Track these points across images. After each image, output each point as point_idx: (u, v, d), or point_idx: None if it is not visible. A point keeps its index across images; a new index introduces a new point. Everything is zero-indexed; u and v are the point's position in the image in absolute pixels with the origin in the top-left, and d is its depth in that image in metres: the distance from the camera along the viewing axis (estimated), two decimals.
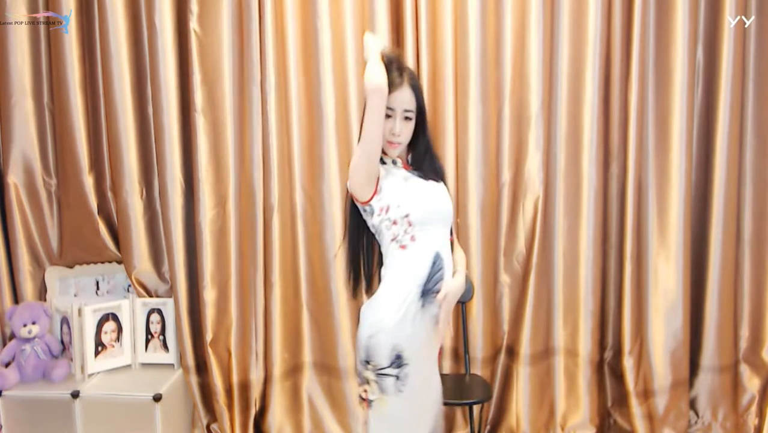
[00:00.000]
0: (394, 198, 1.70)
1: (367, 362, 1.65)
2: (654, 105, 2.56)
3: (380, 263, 1.80)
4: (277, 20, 2.59)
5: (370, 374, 1.65)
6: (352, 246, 1.84)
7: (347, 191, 1.78)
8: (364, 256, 1.85)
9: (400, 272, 1.69)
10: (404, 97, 1.70)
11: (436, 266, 1.69)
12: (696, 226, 2.65)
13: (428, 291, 1.67)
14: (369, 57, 1.68)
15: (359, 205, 1.76)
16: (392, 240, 1.71)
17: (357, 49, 2.58)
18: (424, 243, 1.69)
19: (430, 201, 1.75)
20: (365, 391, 1.67)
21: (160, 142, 2.63)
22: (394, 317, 1.64)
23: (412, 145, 1.82)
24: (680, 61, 2.48)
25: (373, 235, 1.80)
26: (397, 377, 1.64)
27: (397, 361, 1.64)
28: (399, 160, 1.81)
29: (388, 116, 1.69)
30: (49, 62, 2.76)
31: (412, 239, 1.69)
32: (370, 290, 1.85)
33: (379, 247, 1.79)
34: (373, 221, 1.74)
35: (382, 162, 1.77)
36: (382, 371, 1.64)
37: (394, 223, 1.70)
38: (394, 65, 1.70)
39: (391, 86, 1.66)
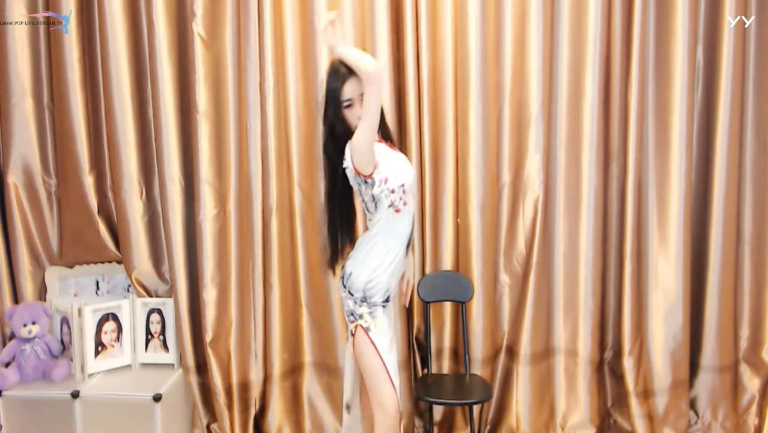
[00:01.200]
0: (391, 170, 2.02)
1: (364, 300, 2.05)
2: (654, 105, 2.56)
3: (350, 233, 2.18)
4: (276, 21, 2.59)
5: (364, 309, 2.05)
6: (332, 217, 2.14)
7: (330, 169, 2.07)
8: (342, 226, 2.16)
9: (392, 232, 2.07)
10: (356, 85, 1.97)
11: (413, 225, 2.13)
12: (696, 226, 2.65)
13: (408, 245, 2.12)
14: (337, 43, 1.98)
15: (359, 178, 2.02)
16: (389, 206, 2.04)
17: (357, 48, 2.58)
18: (410, 206, 2.09)
19: (411, 170, 2.12)
20: (358, 325, 2.03)
21: (159, 142, 2.63)
22: (388, 268, 2.06)
23: None
24: (680, 61, 2.48)
25: (348, 207, 2.15)
26: (384, 306, 2.08)
27: (386, 296, 2.08)
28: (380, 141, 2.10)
29: (350, 105, 1.99)
30: (48, 62, 2.76)
31: (404, 203, 2.06)
32: (342, 258, 2.16)
33: (351, 217, 2.18)
34: (373, 192, 2.02)
35: None
36: (376, 305, 2.06)
37: (392, 191, 2.02)
38: (338, 61, 2.00)
39: (345, 79, 1.97)
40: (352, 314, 2.07)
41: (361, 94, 1.96)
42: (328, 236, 2.16)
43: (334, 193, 2.11)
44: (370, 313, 2.05)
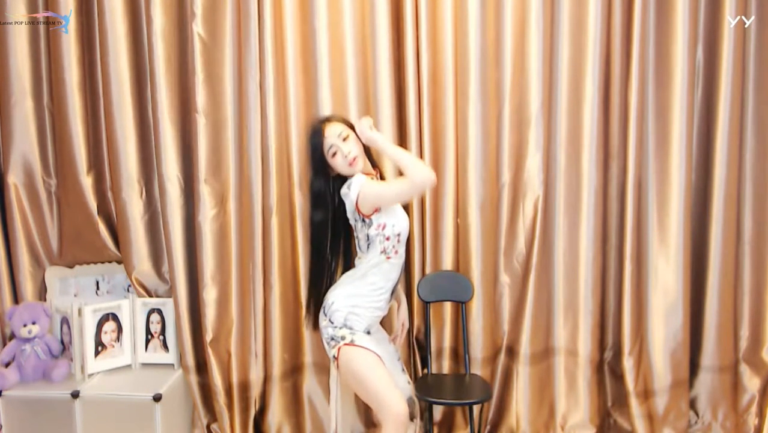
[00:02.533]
0: (389, 218, 2.08)
1: (345, 326, 2.06)
2: (654, 105, 2.56)
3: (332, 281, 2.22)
4: (276, 21, 2.59)
5: (345, 331, 2.06)
6: (319, 266, 2.21)
7: (315, 201, 2.15)
8: (327, 277, 2.22)
9: (380, 274, 2.11)
10: (333, 130, 2.08)
11: (401, 273, 2.19)
12: (696, 226, 2.65)
13: (393, 290, 2.17)
14: (379, 138, 2.08)
15: (357, 215, 2.07)
16: (382, 252, 2.09)
17: (356, 49, 2.58)
18: (400, 255, 2.14)
19: (407, 219, 2.16)
20: (340, 346, 2.03)
21: (159, 142, 2.63)
22: (371, 305, 2.11)
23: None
24: (680, 61, 2.48)
25: (333, 254, 2.21)
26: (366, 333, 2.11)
27: (367, 331, 2.11)
28: (374, 177, 2.16)
29: (334, 154, 2.07)
30: (48, 62, 2.76)
31: (396, 252, 2.11)
32: (317, 307, 2.21)
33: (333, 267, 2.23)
34: (369, 232, 2.08)
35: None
36: (354, 332, 2.07)
37: (387, 238, 2.08)
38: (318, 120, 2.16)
39: (322, 130, 2.08)
40: (332, 339, 2.07)
41: (339, 134, 2.06)
42: (312, 285, 2.22)
43: (325, 243, 2.17)
44: (351, 332, 2.06)
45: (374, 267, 2.10)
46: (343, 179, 2.12)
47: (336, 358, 2.04)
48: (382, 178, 2.25)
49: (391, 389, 1.96)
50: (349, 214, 2.12)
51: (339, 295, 2.12)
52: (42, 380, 2.59)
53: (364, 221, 2.07)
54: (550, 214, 2.66)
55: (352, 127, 2.15)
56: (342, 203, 2.13)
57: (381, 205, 2.05)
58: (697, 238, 2.66)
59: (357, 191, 2.03)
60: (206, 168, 2.61)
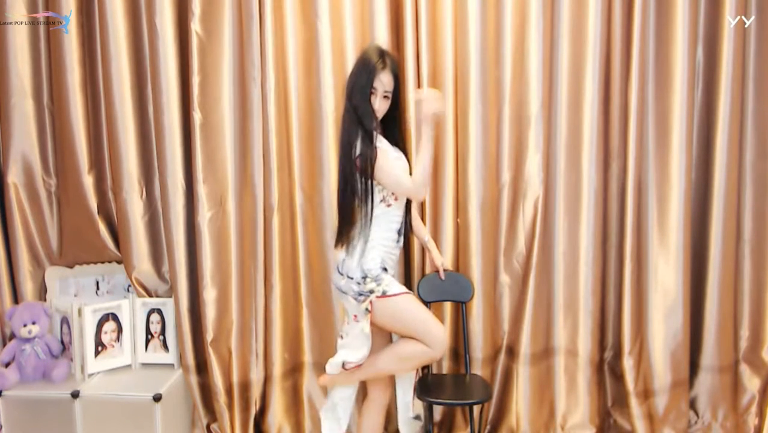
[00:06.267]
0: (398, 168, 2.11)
1: (365, 278, 2.08)
2: (654, 105, 2.56)
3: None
4: (277, 20, 2.59)
5: (371, 284, 2.07)
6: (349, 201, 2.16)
7: (342, 160, 2.13)
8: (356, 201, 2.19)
9: (385, 222, 2.14)
10: (385, 80, 2.10)
11: (405, 213, 2.22)
12: (696, 226, 2.65)
13: (400, 230, 2.20)
14: (427, 136, 2.08)
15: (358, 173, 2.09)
16: (381, 201, 2.13)
17: (357, 48, 2.58)
18: (401, 200, 2.18)
19: (406, 164, 2.20)
20: (372, 299, 2.06)
21: (160, 142, 2.63)
22: (380, 243, 2.13)
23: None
24: (680, 61, 2.48)
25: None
26: (385, 270, 2.13)
27: (383, 267, 2.13)
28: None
29: (372, 93, 2.09)
30: (48, 62, 2.76)
31: (395, 198, 2.15)
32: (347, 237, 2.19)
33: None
34: (367, 186, 2.10)
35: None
36: (378, 275, 2.09)
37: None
38: (377, 53, 2.11)
39: (376, 70, 2.07)
40: (360, 294, 2.08)
41: (385, 91, 2.10)
42: (343, 204, 2.16)
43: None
44: (377, 281, 2.08)
45: (376, 218, 2.13)
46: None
47: (369, 311, 2.08)
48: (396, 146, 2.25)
49: (430, 319, 2.11)
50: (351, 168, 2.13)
51: (347, 249, 2.14)
52: (42, 380, 2.59)
53: (364, 177, 2.10)
54: (550, 215, 2.66)
55: (396, 91, 2.16)
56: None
57: (379, 179, 2.08)
58: (697, 238, 2.66)
59: (360, 149, 2.06)
60: (205, 168, 2.61)
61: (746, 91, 2.62)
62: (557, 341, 2.71)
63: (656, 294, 2.59)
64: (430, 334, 2.08)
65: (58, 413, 2.48)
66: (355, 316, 2.14)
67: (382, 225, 2.14)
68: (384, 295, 2.07)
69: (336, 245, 2.21)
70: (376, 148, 2.07)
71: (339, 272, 2.15)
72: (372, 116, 2.09)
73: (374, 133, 2.10)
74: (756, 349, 2.72)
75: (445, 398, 2.42)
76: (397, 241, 2.20)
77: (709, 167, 2.63)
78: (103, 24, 2.62)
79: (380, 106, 2.12)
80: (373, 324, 2.10)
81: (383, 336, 2.25)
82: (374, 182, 2.09)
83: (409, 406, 2.31)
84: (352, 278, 2.09)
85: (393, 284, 2.11)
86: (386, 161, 2.08)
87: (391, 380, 2.32)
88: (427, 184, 2.09)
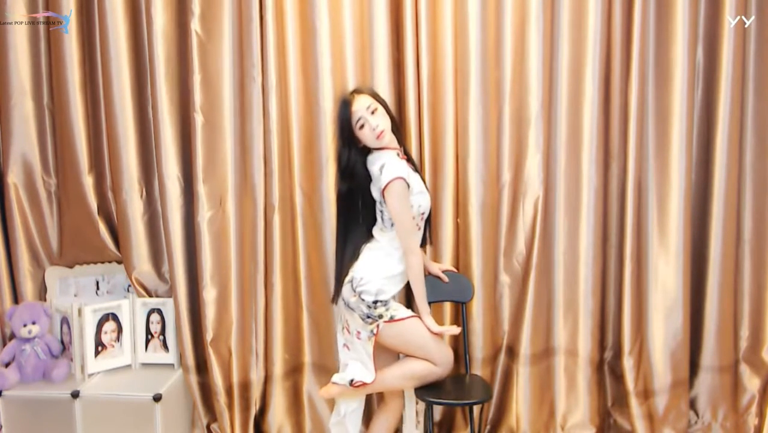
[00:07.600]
0: (415, 198, 2.16)
1: (375, 303, 2.10)
2: (654, 105, 2.56)
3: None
4: (277, 21, 2.59)
5: (380, 309, 2.11)
6: (344, 238, 2.24)
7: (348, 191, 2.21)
8: (351, 250, 2.24)
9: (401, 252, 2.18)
10: (362, 102, 2.10)
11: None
12: (696, 226, 2.65)
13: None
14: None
15: (381, 196, 2.13)
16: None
17: (356, 49, 2.58)
18: (421, 228, 2.22)
19: (429, 197, 2.25)
20: (379, 324, 2.10)
21: (159, 142, 2.63)
22: (395, 277, 2.18)
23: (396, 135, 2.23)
24: (680, 61, 2.48)
25: (358, 226, 2.24)
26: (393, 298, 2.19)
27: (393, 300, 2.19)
28: (399, 152, 2.20)
29: (362, 126, 2.09)
30: (48, 62, 2.76)
31: (417, 228, 2.19)
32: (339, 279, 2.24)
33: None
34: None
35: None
36: (388, 303, 2.14)
37: (412, 217, 2.15)
38: (340, 100, 2.16)
39: (350, 102, 2.10)
40: (369, 316, 2.12)
41: (368, 107, 2.09)
42: (337, 258, 2.25)
43: (349, 216, 2.22)
44: (386, 307, 2.13)
45: (397, 241, 2.17)
46: (368, 150, 2.17)
47: (375, 334, 2.12)
48: (406, 155, 2.26)
49: (434, 342, 2.17)
50: (374, 191, 2.18)
51: (366, 268, 2.16)
52: (42, 380, 2.59)
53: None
54: (550, 214, 2.66)
55: (380, 100, 2.18)
56: (368, 177, 2.18)
57: (407, 249, 2.15)
58: (697, 238, 2.66)
59: (388, 180, 2.07)
60: (205, 168, 2.61)
61: (746, 91, 2.62)
62: (557, 341, 2.71)
63: (656, 294, 2.59)
64: (437, 353, 2.16)
65: (58, 413, 2.48)
66: (359, 332, 2.15)
67: (401, 253, 2.17)
68: (392, 320, 2.11)
69: (351, 261, 2.22)
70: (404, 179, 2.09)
71: (352, 287, 2.15)
72: (356, 146, 2.15)
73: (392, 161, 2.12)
74: (756, 349, 2.72)
75: (445, 398, 2.42)
76: (404, 274, 2.23)
77: (709, 167, 2.63)
78: (102, 24, 2.62)
79: (376, 121, 2.10)
80: (379, 344, 2.14)
81: (391, 352, 2.26)
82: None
83: (413, 420, 2.36)
84: (363, 300, 2.11)
85: (400, 309, 2.16)
86: (399, 197, 2.10)
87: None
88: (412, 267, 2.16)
